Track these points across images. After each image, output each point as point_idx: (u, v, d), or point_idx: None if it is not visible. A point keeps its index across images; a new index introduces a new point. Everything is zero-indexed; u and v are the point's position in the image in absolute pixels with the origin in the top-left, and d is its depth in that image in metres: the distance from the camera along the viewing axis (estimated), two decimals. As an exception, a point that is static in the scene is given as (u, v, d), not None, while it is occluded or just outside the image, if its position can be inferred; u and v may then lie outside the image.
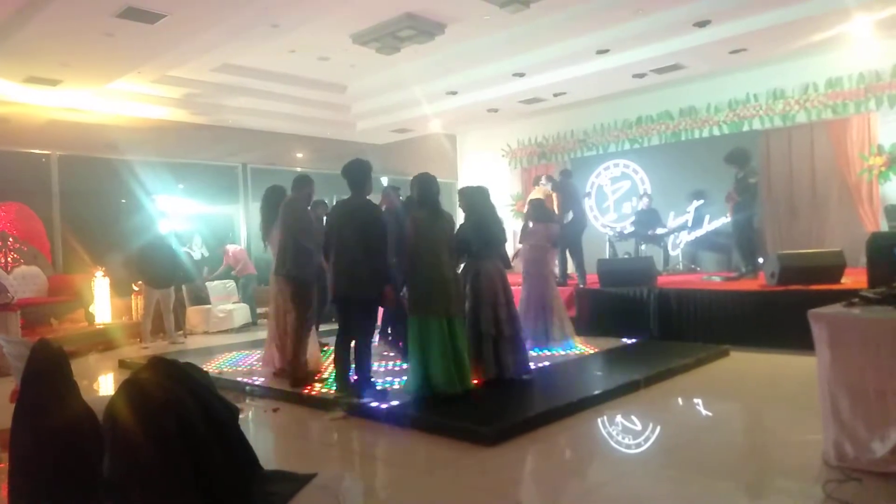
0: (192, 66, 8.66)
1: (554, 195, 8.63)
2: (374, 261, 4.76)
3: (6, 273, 8.55)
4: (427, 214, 4.95)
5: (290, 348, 5.59)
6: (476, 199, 5.47)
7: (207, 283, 10.16)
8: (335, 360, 5.08)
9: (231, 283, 10.35)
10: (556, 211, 8.55)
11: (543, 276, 6.76)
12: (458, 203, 5.73)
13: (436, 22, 7.90)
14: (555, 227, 7.16)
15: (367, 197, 5.04)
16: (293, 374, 5.47)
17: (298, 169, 12.18)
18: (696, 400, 5.14)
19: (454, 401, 4.67)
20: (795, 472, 3.31)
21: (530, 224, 6.96)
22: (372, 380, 5.04)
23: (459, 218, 5.62)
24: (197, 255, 10.64)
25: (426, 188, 5.03)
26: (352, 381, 5.01)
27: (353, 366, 5.01)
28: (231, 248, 10.57)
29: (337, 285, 4.86)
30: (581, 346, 6.72)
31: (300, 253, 5.42)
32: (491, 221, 5.43)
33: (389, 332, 7.00)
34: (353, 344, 4.99)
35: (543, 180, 9.05)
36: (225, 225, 12.17)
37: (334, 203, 5.27)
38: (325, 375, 5.67)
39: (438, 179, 5.25)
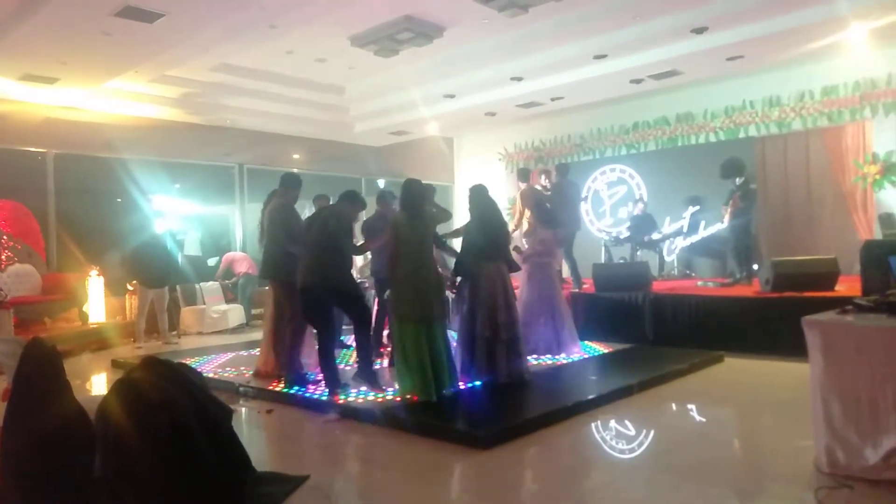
0: (189, 66, 8.65)
1: (518, 201, 8.60)
2: (337, 255, 4.99)
3: (0, 271, 8.51)
4: (405, 218, 4.94)
5: (283, 348, 5.58)
6: (480, 199, 5.45)
7: (202, 284, 10.18)
8: (321, 360, 5.08)
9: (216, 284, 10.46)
10: (516, 218, 8.52)
11: (549, 279, 6.66)
12: (468, 206, 5.73)
13: (434, 25, 7.92)
14: (561, 233, 7.10)
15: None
16: (286, 375, 5.46)
17: (295, 170, 12.18)
18: (689, 405, 5.14)
19: (459, 403, 4.68)
20: (788, 478, 3.32)
21: (538, 229, 6.88)
22: (374, 372, 5.07)
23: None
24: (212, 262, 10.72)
25: (405, 192, 5.03)
26: (341, 379, 5.07)
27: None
28: (227, 256, 10.74)
29: (308, 277, 4.97)
30: (595, 348, 6.67)
31: (288, 257, 5.41)
32: (496, 222, 5.41)
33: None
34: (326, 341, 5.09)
35: (520, 184, 9.00)
36: (221, 225, 12.16)
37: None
38: (319, 377, 5.65)
39: (435, 182, 5.29)
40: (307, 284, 4.99)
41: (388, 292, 5.32)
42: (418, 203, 5.00)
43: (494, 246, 5.34)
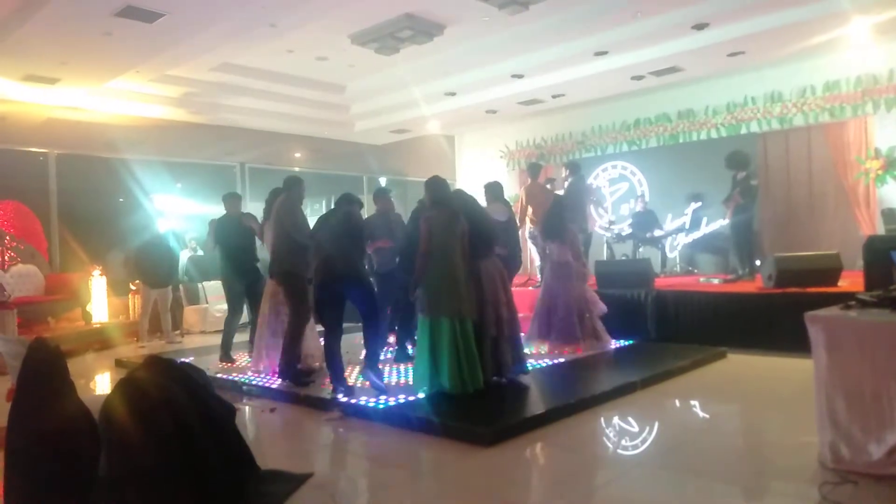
0: (190, 66, 8.65)
1: (522, 198, 8.63)
2: (357, 250, 5.12)
3: (3, 271, 8.53)
4: (440, 215, 4.97)
5: (277, 344, 5.60)
6: (468, 199, 5.47)
7: (204, 283, 10.19)
8: (328, 359, 5.09)
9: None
10: (519, 215, 8.54)
11: (548, 277, 6.71)
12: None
13: (435, 23, 7.91)
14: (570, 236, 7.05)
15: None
16: (281, 370, 5.49)
17: (296, 169, 12.18)
18: (692, 402, 5.14)
19: (462, 400, 4.69)
20: (792, 474, 3.32)
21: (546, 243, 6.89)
22: (380, 368, 5.12)
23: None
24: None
25: (439, 190, 5.08)
26: (347, 378, 5.10)
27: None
28: None
29: (333, 270, 4.97)
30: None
31: (294, 250, 5.44)
32: (479, 219, 5.41)
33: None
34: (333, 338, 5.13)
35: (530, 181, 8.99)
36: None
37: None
38: (316, 376, 5.66)
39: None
40: (331, 278, 4.97)
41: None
42: (448, 200, 5.05)
43: (483, 243, 5.33)
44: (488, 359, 5.16)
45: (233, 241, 6.57)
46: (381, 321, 5.23)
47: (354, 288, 5.03)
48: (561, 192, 9.01)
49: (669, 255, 10.61)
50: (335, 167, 12.83)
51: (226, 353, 6.68)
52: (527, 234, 8.80)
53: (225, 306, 9.96)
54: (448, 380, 4.78)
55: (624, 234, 10.61)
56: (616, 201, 11.99)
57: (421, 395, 4.83)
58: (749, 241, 8.32)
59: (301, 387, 5.34)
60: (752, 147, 9.96)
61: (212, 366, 6.41)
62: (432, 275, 4.90)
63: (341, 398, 4.86)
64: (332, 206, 5.41)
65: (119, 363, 7.14)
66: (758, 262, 8.12)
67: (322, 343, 5.82)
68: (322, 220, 5.31)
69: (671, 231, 10.58)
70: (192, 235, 10.38)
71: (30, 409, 2.82)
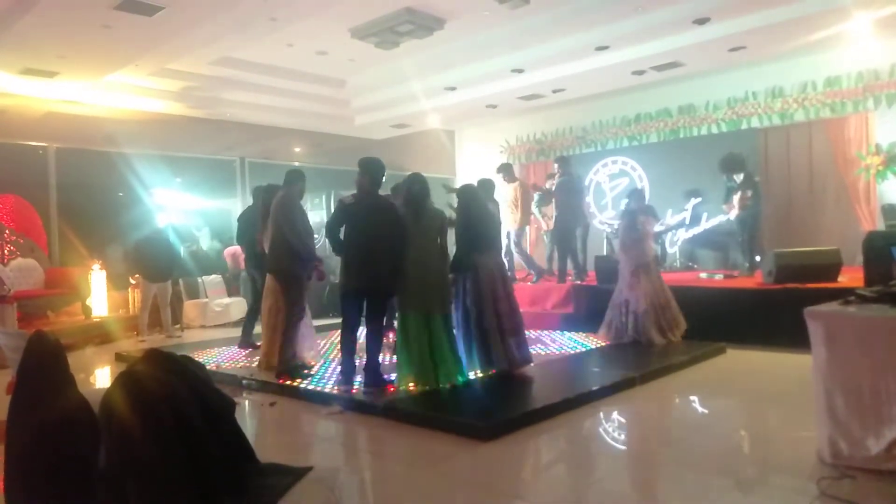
0: (189, 59, 8.63)
1: (518, 193, 8.70)
2: (395, 259, 4.92)
3: (3, 265, 8.53)
4: (410, 213, 5.04)
5: (277, 340, 5.62)
6: (472, 195, 5.55)
7: (204, 278, 10.21)
8: (343, 355, 5.12)
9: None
10: (519, 210, 8.63)
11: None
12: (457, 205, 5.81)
13: (435, 17, 7.89)
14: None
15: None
16: (277, 366, 5.52)
17: (296, 164, 12.18)
18: (692, 397, 5.15)
19: (460, 395, 4.73)
20: (790, 468, 3.32)
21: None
22: (381, 371, 5.12)
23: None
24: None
25: (409, 188, 5.14)
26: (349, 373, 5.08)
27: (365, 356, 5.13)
28: (228, 250, 10.85)
29: (358, 279, 4.96)
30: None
31: (290, 248, 5.44)
32: (482, 216, 5.49)
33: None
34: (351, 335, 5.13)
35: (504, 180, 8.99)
36: (222, 219, 12.16)
37: (344, 198, 5.24)
38: (314, 371, 5.67)
39: (436, 175, 5.30)
40: (352, 286, 4.99)
41: None
42: (418, 197, 5.08)
43: (484, 239, 5.40)
44: (499, 351, 5.22)
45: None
46: (380, 332, 5.21)
47: (371, 299, 5.05)
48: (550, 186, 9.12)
49: (669, 250, 10.61)
50: (335, 162, 12.80)
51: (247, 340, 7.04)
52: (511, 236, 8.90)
53: (225, 300, 10.10)
54: (412, 372, 4.86)
55: (624, 229, 10.58)
56: (616, 197, 11.97)
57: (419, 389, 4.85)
58: (754, 237, 8.34)
59: (300, 380, 5.35)
60: (753, 142, 9.96)
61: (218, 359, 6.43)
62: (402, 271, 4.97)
63: (342, 391, 4.89)
64: (362, 185, 5.10)
65: (119, 357, 7.14)
66: (758, 258, 8.13)
67: (317, 340, 5.88)
68: (354, 215, 5.01)
69: (671, 226, 10.56)
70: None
71: (30, 403, 2.82)
